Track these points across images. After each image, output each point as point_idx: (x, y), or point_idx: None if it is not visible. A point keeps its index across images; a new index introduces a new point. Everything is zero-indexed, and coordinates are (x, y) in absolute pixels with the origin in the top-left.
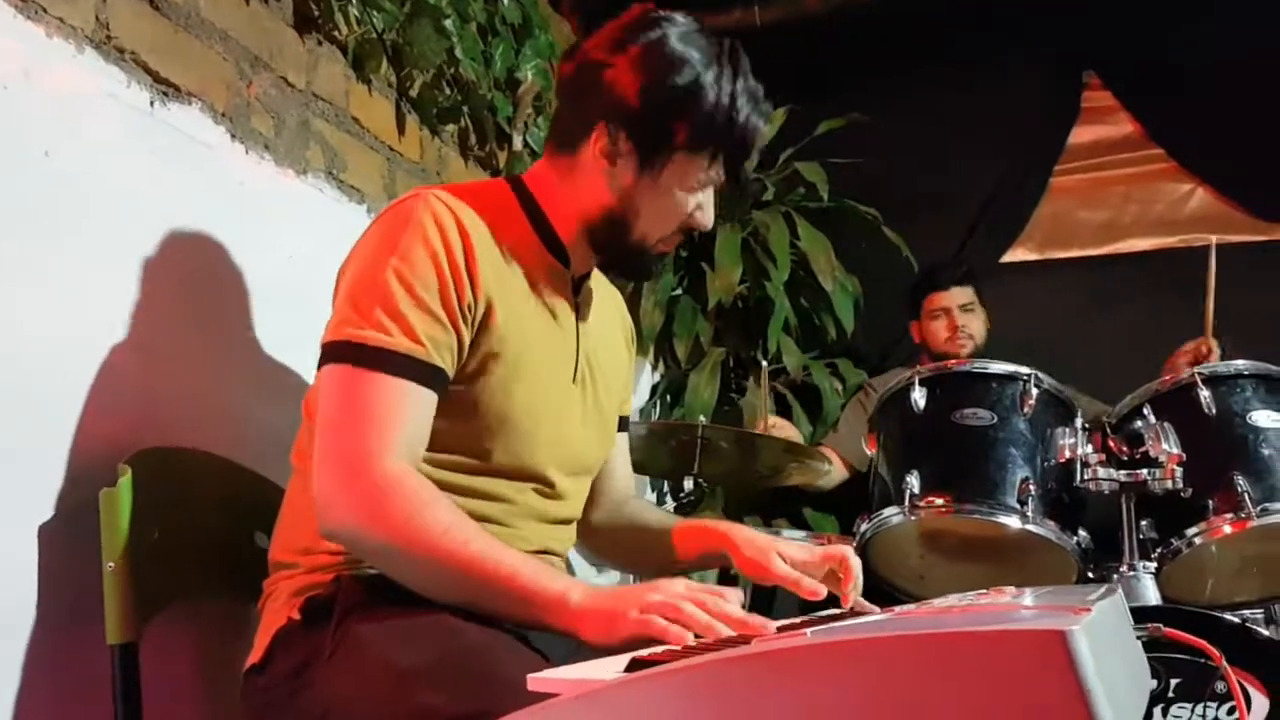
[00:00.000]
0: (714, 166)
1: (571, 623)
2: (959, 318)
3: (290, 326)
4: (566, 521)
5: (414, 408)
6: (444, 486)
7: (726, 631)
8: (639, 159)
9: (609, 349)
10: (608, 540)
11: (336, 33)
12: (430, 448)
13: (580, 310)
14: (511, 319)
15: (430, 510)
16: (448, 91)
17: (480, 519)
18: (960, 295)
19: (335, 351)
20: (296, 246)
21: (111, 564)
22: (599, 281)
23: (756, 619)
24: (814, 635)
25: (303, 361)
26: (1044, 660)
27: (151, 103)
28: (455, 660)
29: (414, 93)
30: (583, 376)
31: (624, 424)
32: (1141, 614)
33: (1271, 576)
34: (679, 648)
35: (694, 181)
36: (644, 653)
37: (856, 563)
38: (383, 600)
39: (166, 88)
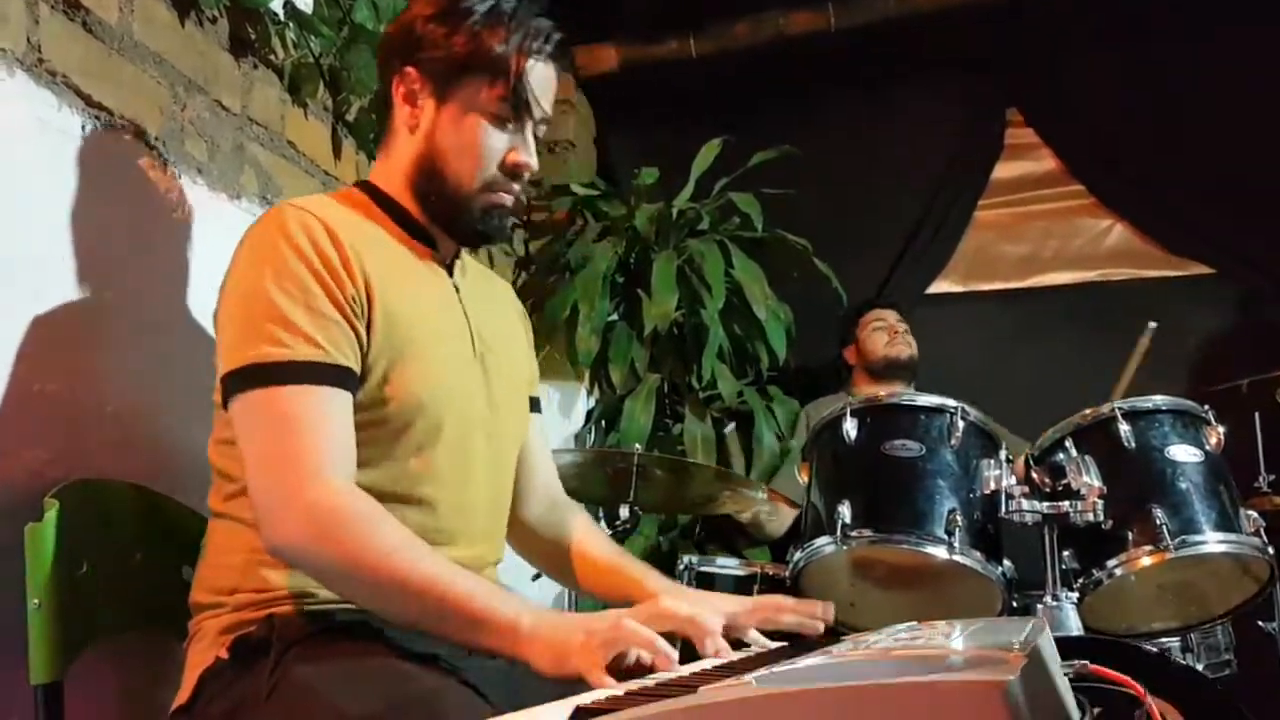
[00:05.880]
0: (501, 86)
1: (521, 650)
2: (898, 326)
3: None
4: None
5: (333, 412)
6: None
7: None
8: (431, 89)
9: (503, 326)
10: (546, 550)
11: (273, 56)
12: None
13: (461, 290)
14: (395, 306)
15: (380, 530)
16: None
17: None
18: (895, 315)
19: (238, 380)
20: None
21: (37, 601)
22: (479, 270)
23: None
24: (759, 683)
25: None
26: (984, 711)
27: (83, 126)
28: (404, 709)
29: (350, 117)
30: (481, 352)
31: (535, 404)
32: (1066, 645)
33: (1185, 604)
34: (622, 694)
35: (490, 107)
36: (587, 700)
37: (791, 603)
38: (322, 639)
39: (99, 111)
